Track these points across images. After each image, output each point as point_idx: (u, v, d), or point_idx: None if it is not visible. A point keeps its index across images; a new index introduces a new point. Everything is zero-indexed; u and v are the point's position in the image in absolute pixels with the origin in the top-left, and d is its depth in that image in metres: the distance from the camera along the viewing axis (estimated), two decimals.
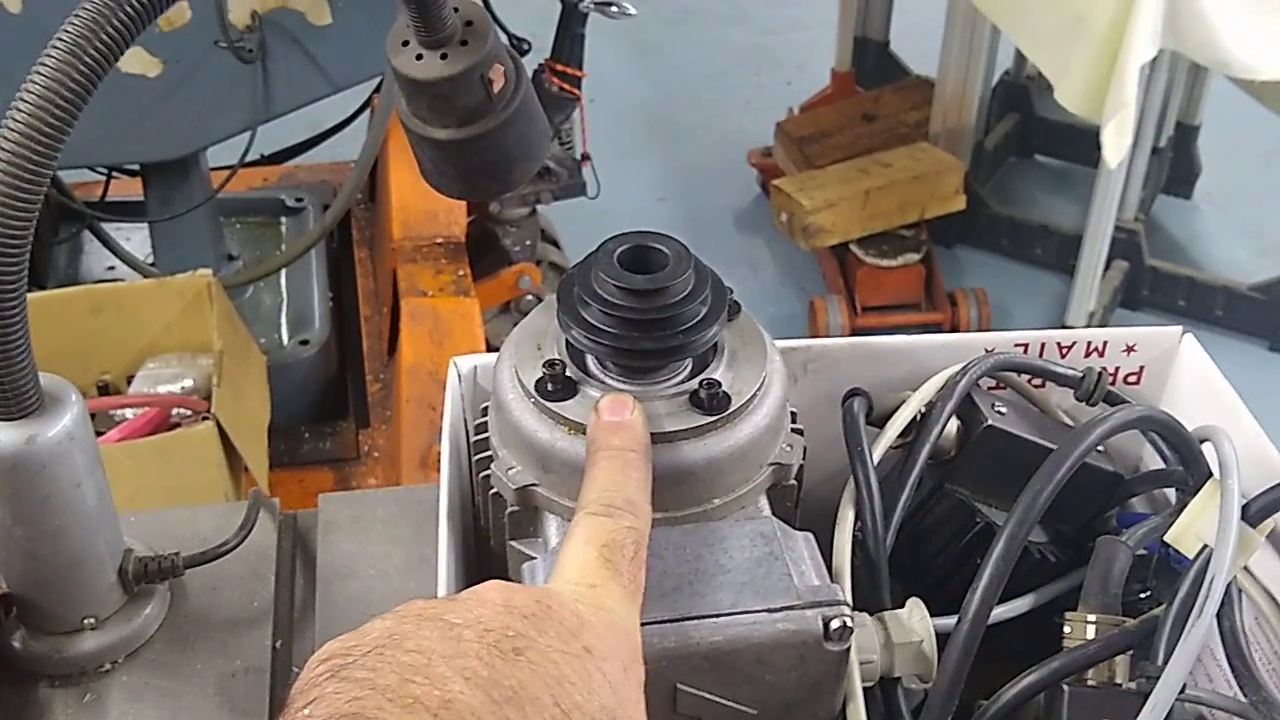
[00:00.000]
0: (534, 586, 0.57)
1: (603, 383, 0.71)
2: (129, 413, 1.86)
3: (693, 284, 0.69)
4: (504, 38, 1.92)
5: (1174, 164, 3.59)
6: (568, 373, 0.71)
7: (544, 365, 0.70)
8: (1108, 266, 3.07)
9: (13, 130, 0.71)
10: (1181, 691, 0.68)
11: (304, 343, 2.46)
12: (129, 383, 1.96)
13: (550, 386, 0.70)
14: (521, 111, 0.74)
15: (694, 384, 0.70)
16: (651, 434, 0.68)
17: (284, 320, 2.54)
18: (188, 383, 1.96)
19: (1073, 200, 3.49)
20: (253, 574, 1.00)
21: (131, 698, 0.91)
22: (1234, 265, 3.43)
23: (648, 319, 0.68)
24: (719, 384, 0.69)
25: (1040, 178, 3.81)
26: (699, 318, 0.69)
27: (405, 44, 0.70)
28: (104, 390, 1.92)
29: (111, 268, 2.51)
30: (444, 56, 0.69)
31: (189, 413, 1.88)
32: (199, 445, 1.79)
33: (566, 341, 0.72)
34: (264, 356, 2.20)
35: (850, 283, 3.26)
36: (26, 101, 0.70)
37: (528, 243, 2.79)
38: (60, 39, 0.69)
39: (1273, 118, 2.99)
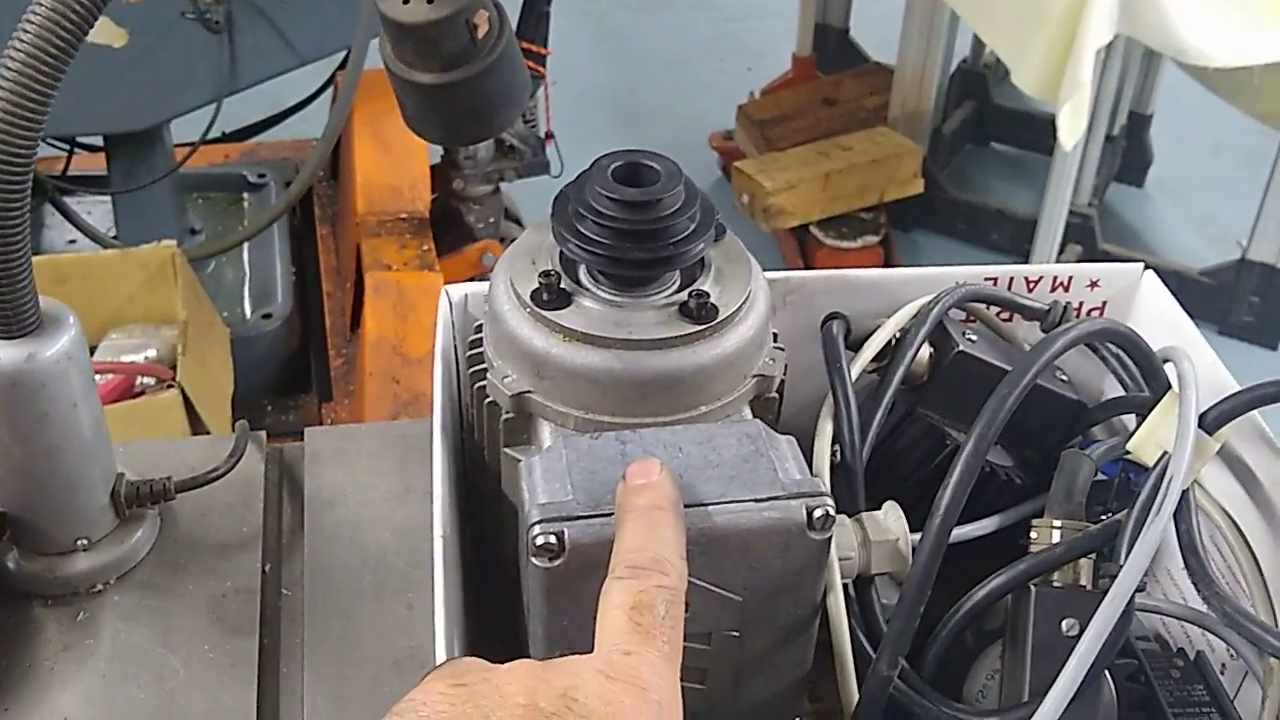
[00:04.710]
0: (564, 673, 0.52)
1: (595, 294, 0.73)
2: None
3: (683, 199, 0.72)
4: None
5: (1127, 152, 3.65)
6: (562, 284, 0.73)
7: (539, 276, 0.73)
8: (1062, 250, 3.10)
9: (18, 53, 0.73)
10: (1142, 589, 0.71)
11: (266, 316, 2.47)
12: (92, 353, 1.96)
13: (545, 296, 0.72)
14: (505, 58, 0.75)
15: (683, 295, 0.73)
16: (642, 340, 0.70)
17: (246, 294, 2.55)
18: (151, 353, 1.95)
19: (1028, 187, 3.54)
20: (241, 501, 1.02)
21: (124, 617, 0.93)
22: (1185, 251, 3.49)
23: (640, 230, 0.71)
24: (707, 295, 0.72)
25: (996, 164, 3.86)
26: (688, 231, 0.72)
27: None
28: None
29: (73, 241, 2.50)
30: (430, 1, 0.70)
31: (153, 381, 1.88)
32: (164, 413, 1.79)
33: (560, 254, 0.75)
34: (227, 329, 2.21)
35: (810, 263, 3.29)
36: (29, 29, 0.73)
37: (491, 220, 2.80)
38: None
39: (1223, 109, 3.04)
